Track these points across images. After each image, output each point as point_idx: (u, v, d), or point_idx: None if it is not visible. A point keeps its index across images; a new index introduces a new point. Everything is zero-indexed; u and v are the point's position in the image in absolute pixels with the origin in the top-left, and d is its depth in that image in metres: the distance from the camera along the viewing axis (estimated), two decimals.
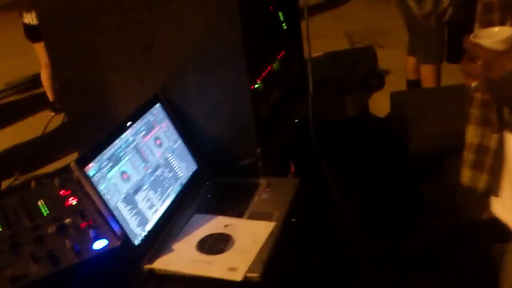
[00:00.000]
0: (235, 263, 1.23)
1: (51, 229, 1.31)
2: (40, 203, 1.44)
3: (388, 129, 2.45)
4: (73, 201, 1.44)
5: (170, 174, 1.49)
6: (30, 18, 4.89)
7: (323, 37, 2.11)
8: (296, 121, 1.92)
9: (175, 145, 1.56)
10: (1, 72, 6.55)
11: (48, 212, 1.40)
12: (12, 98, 6.08)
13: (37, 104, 5.53)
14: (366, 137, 2.31)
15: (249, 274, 1.20)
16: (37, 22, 4.86)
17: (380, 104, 2.77)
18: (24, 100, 5.97)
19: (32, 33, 5.01)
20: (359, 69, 2.37)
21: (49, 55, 1.74)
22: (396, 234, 2.18)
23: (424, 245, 2.08)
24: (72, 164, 1.23)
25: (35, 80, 6.00)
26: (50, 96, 5.37)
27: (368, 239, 2.22)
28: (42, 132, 4.42)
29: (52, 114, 5.30)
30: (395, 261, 2.06)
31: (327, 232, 1.94)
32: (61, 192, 1.48)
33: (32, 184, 1.58)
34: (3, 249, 1.26)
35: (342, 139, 2.18)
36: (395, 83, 3.80)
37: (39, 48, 5.11)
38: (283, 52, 1.91)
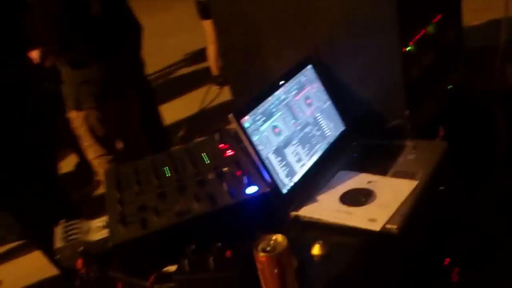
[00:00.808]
0: (375, 215, 1.28)
1: (211, 175, 1.48)
2: (203, 153, 1.62)
3: None
4: (230, 153, 1.60)
5: (319, 132, 1.57)
6: None
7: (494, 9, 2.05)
8: (450, 87, 1.88)
9: (324, 106, 1.63)
10: (170, 47, 7.17)
11: (209, 161, 1.57)
12: (180, 72, 6.63)
13: (202, 77, 5.97)
14: None
15: (388, 226, 1.24)
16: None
17: None
18: (190, 74, 6.48)
19: (202, 10, 5.39)
20: None
21: (215, 24, 1.91)
22: None
23: None
24: (230, 116, 1.37)
25: (200, 55, 6.48)
26: (214, 71, 5.75)
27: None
28: (205, 105, 4.79)
29: (217, 87, 5.69)
30: None
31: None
32: (220, 145, 1.65)
33: (196, 138, 1.78)
34: (171, 190, 1.45)
35: (500, 109, 2.07)
36: None
37: (208, 25, 5.49)
38: (439, 16, 1.87)
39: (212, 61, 5.74)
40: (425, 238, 1.38)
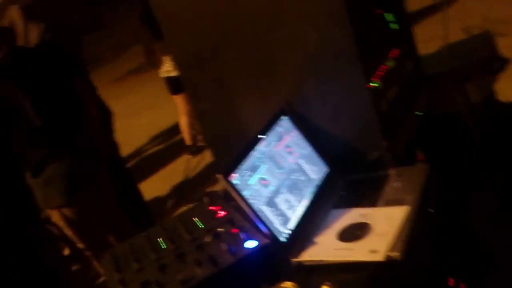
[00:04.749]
0: (375, 245, 1.30)
1: (208, 238, 1.49)
2: (195, 219, 1.63)
3: None
4: (222, 213, 1.61)
5: (304, 177, 1.61)
6: (169, 72, 5.30)
7: (438, 38, 2.23)
8: (417, 113, 1.96)
9: (305, 151, 1.68)
10: (140, 128, 7.24)
11: (202, 225, 1.58)
12: (155, 149, 6.68)
13: (177, 150, 6.02)
14: (492, 123, 2.25)
15: (391, 254, 1.26)
16: (176, 74, 5.29)
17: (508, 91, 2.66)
18: (165, 149, 6.53)
19: (173, 85, 5.43)
20: (476, 54, 2.34)
21: (186, 89, 1.96)
22: None
23: None
24: (218, 176, 1.39)
25: (172, 129, 6.56)
26: (187, 140, 5.81)
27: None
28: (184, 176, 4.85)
29: (190, 156, 5.74)
30: None
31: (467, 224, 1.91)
32: (210, 208, 1.66)
33: (186, 206, 1.79)
34: (171, 260, 1.45)
35: (465, 127, 2.15)
36: None
37: (178, 99, 5.55)
38: (396, 50, 1.97)
39: (184, 132, 5.80)
40: (428, 260, 1.40)
